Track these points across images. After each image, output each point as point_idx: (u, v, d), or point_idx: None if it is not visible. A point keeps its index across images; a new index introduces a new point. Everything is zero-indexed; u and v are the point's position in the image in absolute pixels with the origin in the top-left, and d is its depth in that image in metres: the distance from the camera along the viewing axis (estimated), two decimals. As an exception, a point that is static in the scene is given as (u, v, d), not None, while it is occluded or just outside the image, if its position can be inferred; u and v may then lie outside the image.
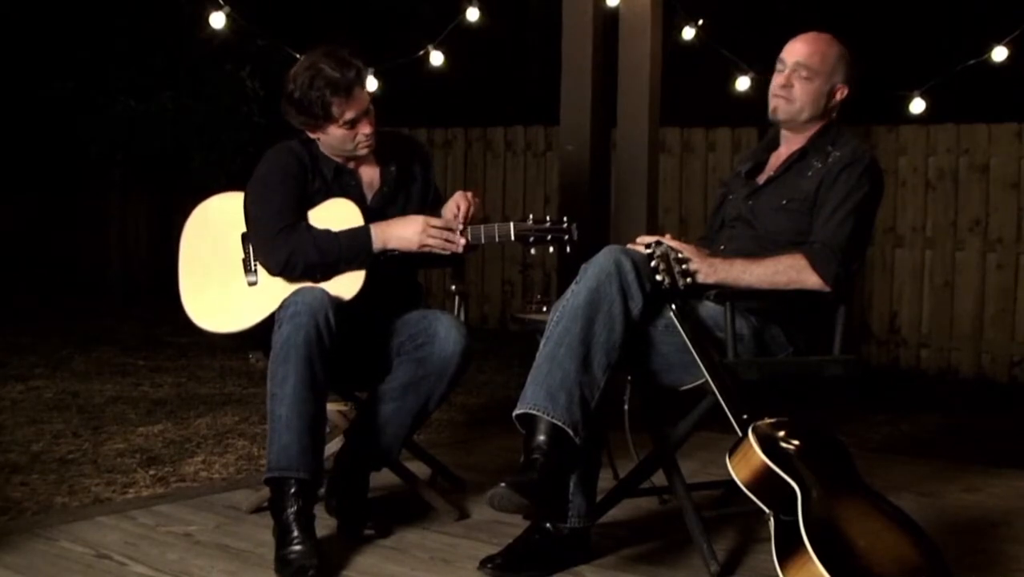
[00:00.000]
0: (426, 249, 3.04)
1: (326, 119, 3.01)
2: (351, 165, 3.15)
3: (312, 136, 3.09)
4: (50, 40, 8.91)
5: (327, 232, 3.00)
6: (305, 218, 3.03)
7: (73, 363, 6.18)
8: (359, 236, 3.00)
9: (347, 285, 2.99)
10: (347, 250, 2.99)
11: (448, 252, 3.06)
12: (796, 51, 2.99)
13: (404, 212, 3.14)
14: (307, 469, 2.81)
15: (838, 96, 3.00)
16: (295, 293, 2.89)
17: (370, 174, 3.18)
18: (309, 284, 2.95)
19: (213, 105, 8.75)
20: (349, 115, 3.00)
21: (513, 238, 3.04)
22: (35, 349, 6.56)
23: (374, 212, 3.10)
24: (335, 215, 3.04)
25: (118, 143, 8.90)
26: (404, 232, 3.02)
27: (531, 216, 3.08)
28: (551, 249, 3.10)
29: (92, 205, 9.87)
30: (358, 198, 3.11)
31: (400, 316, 3.12)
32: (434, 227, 3.03)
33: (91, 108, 8.77)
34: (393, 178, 3.19)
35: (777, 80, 3.01)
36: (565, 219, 3.07)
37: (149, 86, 8.73)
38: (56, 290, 9.41)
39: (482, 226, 3.06)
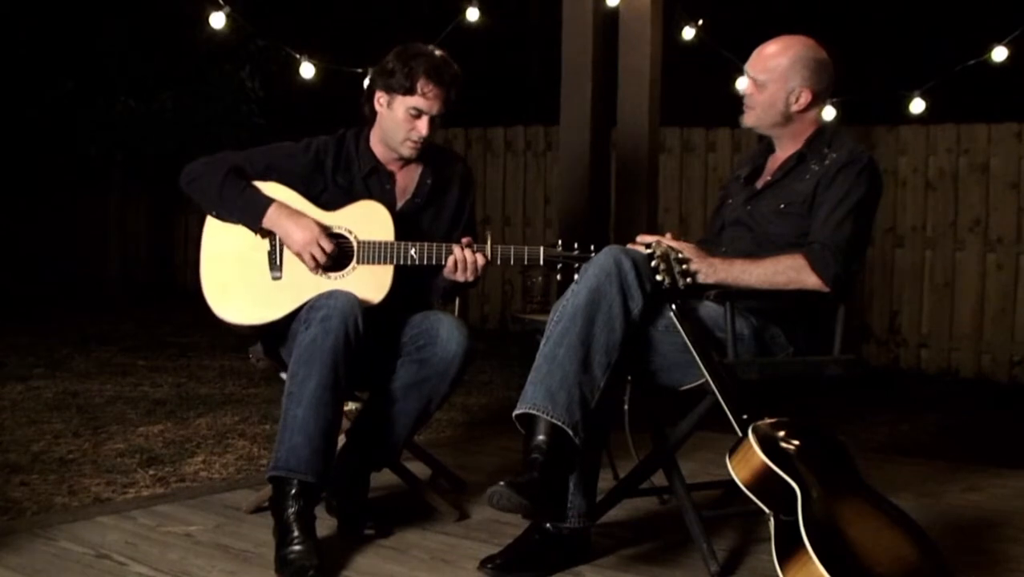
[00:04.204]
0: (298, 257, 3.00)
1: (408, 90, 3.02)
2: (391, 167, 3.16)
3: (379, 108, 3.10)
4: (50, 40, 8.90)
5: (240, 183, 3.01)
6: (250, 180, 3.04)
7: (73, 363, 6.18)
8: (258, 204, 3.00)
9: (375, 289, 2.99)
10: (239, 210, 3.01)
11: (315, 273, 3.00)
12: (750, 62, 3.05)
13: (433, 227, 3.16)
14: (314, 472, 2.80)
15: (802, 100, 2.96)
16: (326, 296, 2.87)
17: (406, 181, 3.19)
18: (338, 287, 2.94)
19: (213, 105, 8.75)
20: (428, 96, 3.02)
21: (542, 263, 3.05)
22: (35, 349, 6.55)
23: (403, 218, 3.09)
24: (365, 217, 3.03)
25: (118, 143, 8.90)
26: (294, 231, 2.99)
27: (559, 241, 3.08)
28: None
29: (92, 205, 9.86)
30: (389, 202, 3.11)
31: (402, 316, 3.12)
32: (321, 247, 2.97)
33: (91, 108, 8.77)
34: (428, 189, 3.19)
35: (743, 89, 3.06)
36: (592, 247, 3.05)
37: (149, 86, 8.73)
38: (56, 290, 9.40)
39: (512, 247, 3.05)
